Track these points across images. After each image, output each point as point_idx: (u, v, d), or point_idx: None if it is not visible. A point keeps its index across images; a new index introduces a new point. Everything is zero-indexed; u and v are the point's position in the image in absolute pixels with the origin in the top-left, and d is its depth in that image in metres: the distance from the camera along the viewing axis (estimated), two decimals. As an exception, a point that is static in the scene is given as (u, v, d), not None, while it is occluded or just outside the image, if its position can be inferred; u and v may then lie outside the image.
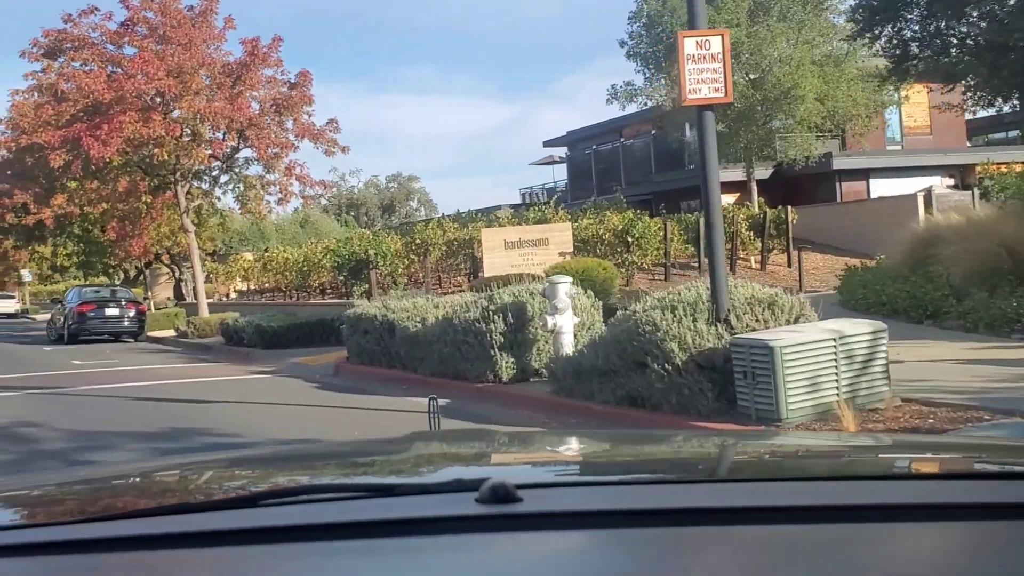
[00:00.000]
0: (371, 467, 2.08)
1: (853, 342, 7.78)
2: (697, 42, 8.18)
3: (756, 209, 25.97)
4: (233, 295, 37.43)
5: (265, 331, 19.47)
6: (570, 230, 21.44)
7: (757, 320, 8.28)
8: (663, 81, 28.02)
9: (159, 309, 33.15)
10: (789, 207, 25.26)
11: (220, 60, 26.37)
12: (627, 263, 22.70)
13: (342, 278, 26.27)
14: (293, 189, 27.40)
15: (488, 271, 19.46)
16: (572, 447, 2.44)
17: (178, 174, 27.36)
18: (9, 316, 52.94)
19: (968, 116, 28.73)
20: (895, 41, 19.43)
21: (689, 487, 1.56)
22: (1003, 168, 26.76)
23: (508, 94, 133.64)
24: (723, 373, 7.92)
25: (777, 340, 7.48)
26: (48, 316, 33.26)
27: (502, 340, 11.26)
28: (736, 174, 28.29)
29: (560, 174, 45.39)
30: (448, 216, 34.34)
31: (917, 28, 18.78)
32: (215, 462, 2.30)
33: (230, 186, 29.77)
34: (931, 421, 7.36)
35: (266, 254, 35.68)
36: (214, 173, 29.41)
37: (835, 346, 7.64)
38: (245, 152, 27.46)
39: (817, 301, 9.51)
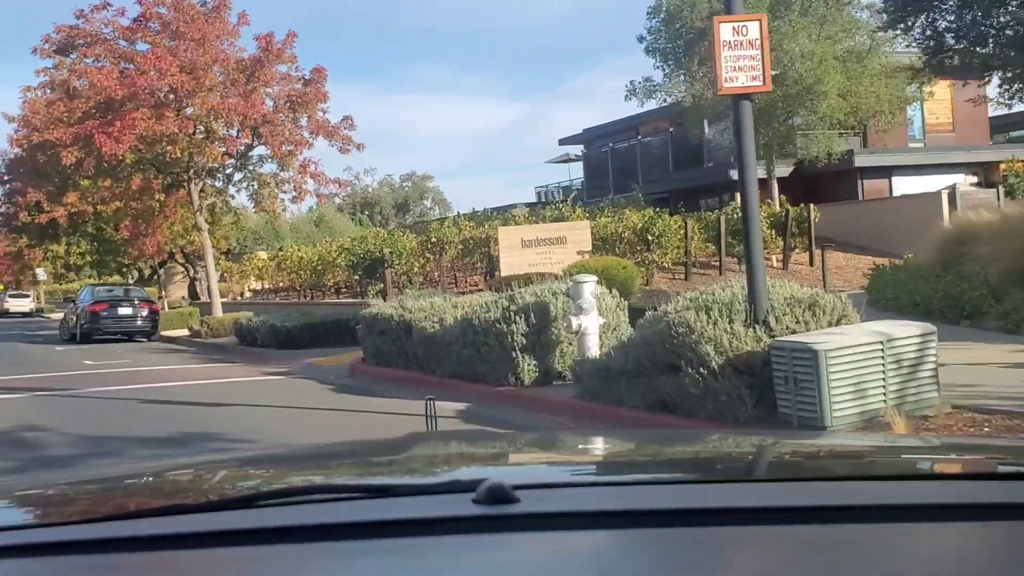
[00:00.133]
0: (369, 468, 2.08)
1: (901, 345, 7.32)
2: (734, 27, 7.68)
3: (777, 207, 25.47)
4: (247, 294, 37.20)
5: (279, 331, 19.16)
6: (588, 228, 20.95)
7: (797, 322, 7.82)
8: (682, 77, 27.56)
9: (173, 308, 32.91)
10: (812, 205, 24.76)
11: (234, 56, 25.93)
12: (647, 262, 22.26)
13: (357, 277, 25.92)
14: (308, 187, 27.01)
15: (505, 270, 19.06)
16: (571, 448, 2.42)
17: (191, 172, 27.00)
18: (24, 315, 53.02)
19: (999, 112, 28.14)
20: (928, 33, 18.87)
21: (689, 487, 1.54)
22: (1029, 165, 26.20)
23: (522, 93, 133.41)
24: (762, 378, 7.47)
25: (821, 343, 7.03)
26: (61, 315, 33.06)
27: (524, 341, 10.83)
28: (756, 172, 27.78)
29: (576, 172, 44.93)
30: (463, 215, 33.95)
31: (952, 19, 18.22)
32: (214, 463, 2.30)
33: (244, 184, 29.31)
34: (986, 429, 6.91)
35: (280, 253, 35.44)
36: (228, 171, 28.98)
37: (882, 350, 7.19)
38: (259, 149, 27.08)
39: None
